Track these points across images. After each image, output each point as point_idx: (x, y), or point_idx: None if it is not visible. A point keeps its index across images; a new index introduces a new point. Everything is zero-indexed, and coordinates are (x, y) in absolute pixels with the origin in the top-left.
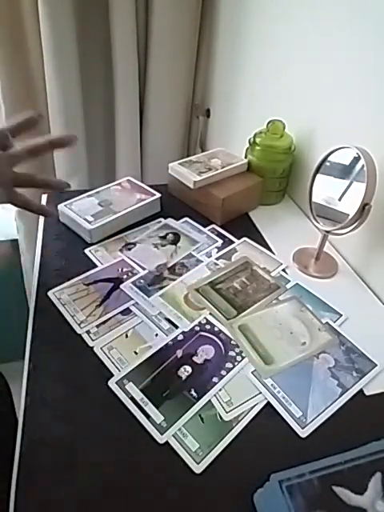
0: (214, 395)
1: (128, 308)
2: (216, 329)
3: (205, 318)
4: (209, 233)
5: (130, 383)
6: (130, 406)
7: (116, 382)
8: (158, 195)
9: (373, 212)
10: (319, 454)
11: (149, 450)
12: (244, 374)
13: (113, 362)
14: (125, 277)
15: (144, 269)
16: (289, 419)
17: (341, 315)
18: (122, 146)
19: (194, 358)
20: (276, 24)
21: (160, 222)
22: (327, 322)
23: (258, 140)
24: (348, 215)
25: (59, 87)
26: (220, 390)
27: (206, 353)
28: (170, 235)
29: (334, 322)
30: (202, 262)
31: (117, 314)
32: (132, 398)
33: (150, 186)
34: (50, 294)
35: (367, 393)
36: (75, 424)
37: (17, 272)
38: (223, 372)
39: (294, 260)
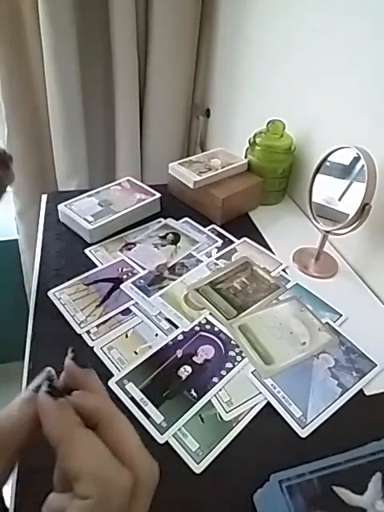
0: (214, 395)
1: (128, 308)
2: (216, 329)
3: (205, 318)
4: (209, 233)
5: (130, 383)
6: (130, 406)
7: (116, 382)
8: (158, 195)
9: (373, 212)
10: (319, 453)
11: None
12: (244, 374)
13: (113, 362)
14: (125, 277)
15: (144, 269)
16: (289, 419)
17: (341, 315)
18: (122, 146)
19: (194, 358)
20: (276, 24)
21: (160, 222)
22: (327, 322)
23: (258, 140)
24: (348, 215)
25: (59, 87)
26: (220, 390)
27: (205, 353)
28: (170, 235)
29: (334, 322)
30: (202, 262)
31: (117, 314)
32: (132, 398)
33: (150, 186)
34: (50, 294)
35: (367, 393)
36: None
37: (17, 272)
38: (223, 372)
39: (294, 260)
